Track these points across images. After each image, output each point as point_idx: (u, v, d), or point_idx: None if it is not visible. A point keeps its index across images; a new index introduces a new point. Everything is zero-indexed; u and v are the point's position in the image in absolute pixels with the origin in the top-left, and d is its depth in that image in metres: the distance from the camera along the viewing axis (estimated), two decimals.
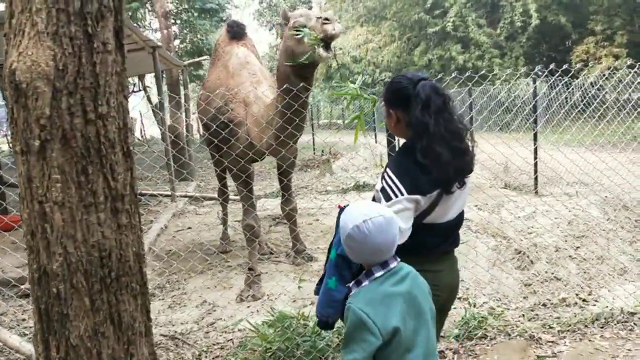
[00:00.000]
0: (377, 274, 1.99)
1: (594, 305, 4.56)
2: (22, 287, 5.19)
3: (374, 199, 2.44)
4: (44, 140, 1.64)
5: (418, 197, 2.24)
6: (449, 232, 2.46)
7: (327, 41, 4.03)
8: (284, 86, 4.38)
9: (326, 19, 4.04)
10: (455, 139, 2.29)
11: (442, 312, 2.49)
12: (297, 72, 4.32)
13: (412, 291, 1.99)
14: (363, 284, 2.02)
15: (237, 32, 6.01)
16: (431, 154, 2.23)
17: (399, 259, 2.05)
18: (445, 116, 2.29)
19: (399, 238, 2.02)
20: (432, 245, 2.40)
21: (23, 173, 1.69)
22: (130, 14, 19.14)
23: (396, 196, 2.23)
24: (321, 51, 4.01)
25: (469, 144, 2.40)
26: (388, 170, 2.32)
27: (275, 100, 4.67)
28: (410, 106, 2.31)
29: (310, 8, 40.14)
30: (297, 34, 4.10)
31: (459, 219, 2.49)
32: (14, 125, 1.68)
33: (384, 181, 2.30)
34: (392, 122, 2.47)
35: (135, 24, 10.62)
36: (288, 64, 4.33)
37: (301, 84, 4.27)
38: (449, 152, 2.24)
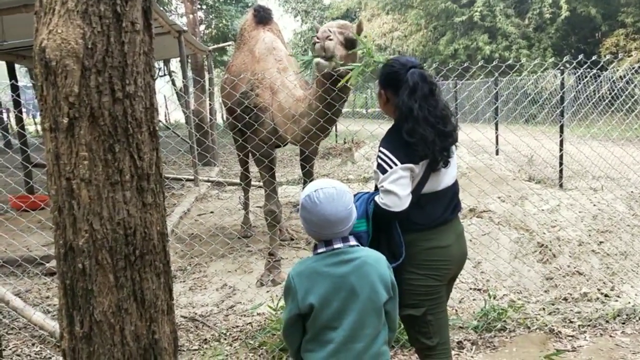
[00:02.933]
0: (320, 250, 2.09)
1: (616, 301, 4.51)
2: (47, 265, 5.29)
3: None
4: (72, 117, 1.65)
5: (411, 165, 2.45)
6: (450, 199, 2.66)
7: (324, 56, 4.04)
8: (322, 88, 4.32)
9: (317, 37, 4.05)
10: (439, 123, 2.48)
11: (451, 280, 2.77)
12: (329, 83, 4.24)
13: (348, 276, 2.03)
14: (311, 255, 2.13)
15: (263, 17, 5.99)
16: (416, 135, 2.43)
17: (351, 243, 2.10)
18: (430, 102, 2.49)
19: (354, 216, 2.12)
20: (436, 215, 2.59)
21: (51, 150, 1.71)
22: None
23: (391, 167, 2.44)
24: (321, 61, 4.02)
25: (454, 128, 2.59)
26: (381, 148, 2.52)
27: (310, 95, 4.61)
28: (399, 89, 2.52)
29: None
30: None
31: (456, 186, 2.71)
32: (43, 102, 1.70)
33: (379, 159, 2.51)
34: (382, 102, 2.69)
35: (161, 8, 10.67)
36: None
37: (335, 93, 4.24)
38: (434, 133, 2.45)
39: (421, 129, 2.43)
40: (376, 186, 2.64)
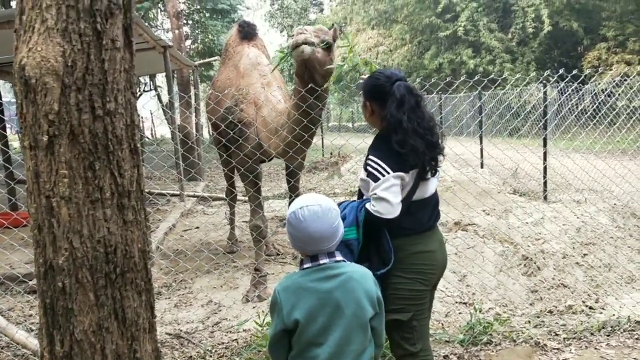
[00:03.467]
0: (306, 266, 2.08)
1: (601, 313, 4.53)
2: (30, 283, 5.23)
3: (360, 190, 2.73)
4: (52, 135, 1.65)
5: (402, 174, 2.51)
6: (433, 206, 2.76)
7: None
8: (299, 95, 4.28)
9: (292, 36, 4.06)
10: (427, 134, 2.56)
11: (433, 288, 2.83)
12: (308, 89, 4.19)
13: (334, 292, 2.02)
14: (298, 270, 2.13)
15: (248, 33, 6.01)
16: (407, 146, 2.50)
17: (337, 259, 2.10)
18: (418, 114, 2.57)
19: (340, 232, 2.11)
20: (424, 221, 2.69)
21: (31, 168, 1.70)
22: (142, 13, 19.25)
23: (383, 176, 2.49)
24: (305, 48, 3.93)
25: (440, 139, 2.69)
26: (371, 157, 2.57)
27: (290, 108, 4.60)
28: (385, 102, 2.59)
29: (322, 11, 40.28)
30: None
31: (437, 195, 2.82)
32: (23, 120, 1.69)
33: (369, 167, 2.55)
34: (368, 113, 2.77)
35: (147, 24, 10.68)
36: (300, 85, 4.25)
37: (313, 101, 4.23)
38: (424, 144, 2.53)
39: (412, 140, 2.50)
40: (360, 196, 2.72)
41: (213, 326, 4.60)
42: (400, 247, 2.57)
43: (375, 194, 2.49)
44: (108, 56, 1.68)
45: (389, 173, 2.48)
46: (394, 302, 2.57)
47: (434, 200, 2.76)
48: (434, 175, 2.65)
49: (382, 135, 2.67)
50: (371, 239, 2.57)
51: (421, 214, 2.67)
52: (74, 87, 1.64)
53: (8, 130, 11.56)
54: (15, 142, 23.66)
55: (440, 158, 2.68)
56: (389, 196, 2.47)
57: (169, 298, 5.32)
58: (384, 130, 2.65)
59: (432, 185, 2.71)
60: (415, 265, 2.62)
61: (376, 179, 2.50)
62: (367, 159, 2.59)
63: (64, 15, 1.61)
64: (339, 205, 2.54)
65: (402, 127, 2.51)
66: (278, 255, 6.49)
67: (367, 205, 2.53)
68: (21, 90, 1.67)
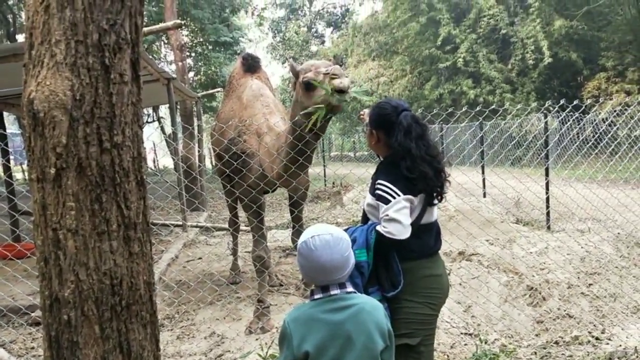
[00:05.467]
0: (316, 296, 2.07)
1: (607, 344, 4.48)
2: (33, 314, 5.20)
3: (364, 215, 2.80)
4: (59, 168, 1.66)
5: (411, 197, 2.60)
6: (436, 231, 2.83)
7: (337, 93, 3.90)
8: (296, 132, 4.34)
9: (334, 74, 3.94)
10: (434, 161, 2.67)
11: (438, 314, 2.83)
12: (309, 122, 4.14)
13: (345, 324, 2.00)
14: (308, 300, 2.11)
15: (251, 65, 6.09)
16: (416, 171, 2.60)
17: (348, 290, 2.09)
18: (424, 142, 2.68)
19: (351, 263, 2.12)
20: (431, 244, 2.76)
21: (38, 200, 1.71)
22: (146, 46, 19.47)
23: (394, 198, 2.56)
24: (334, 100, 3.90)
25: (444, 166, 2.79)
26: (380, 181, 2.65)
27: (286, 133, 4.65)
28: (392, 130, 2.70)
29: (322, 43, 40.73)
30: (308, 89, 4.12)
31: (437, 221, 2.88)
32: (30, 153, 1.70)
33: (379, 191, 2.62)
34: (373, 141, 2.85)
35: (151, 56, 10.79)
36: (301, 116, 4.21)
37: (313, 133, 4.27)
38: (432, 170, 2.63)
39: (420, 167, 2.60)
40: (364, 222, 2.79)
41: (216, 358, 4.56)
42: (409, 270, 2.62)
43: (387, 215, 2.55)
44: (116, 90, 1.70)
45: (399, 195, 2.56)
46: (404, 326, 2.59)
47: (437, 225, 2.84)
48: (440, 200, 2.74)
49: (388, 162, 2.77)
50: (380, 261, 2.61)
51: (427, 238, 2.74)
52: (82, 120, 1.65)
53: (12, 162, 11.61)
54: (17, 174, 23.77)
55: (447, 184, 2.77)
56: (400, 217, 2.53)
57: (171, 330, 5.28)
58: (390, 157, 2.75)
59: (435, 211, 2.80)
60: (426, 289, 2.67)
61: (387, 201, 2.57)
62: (376, 183, 2.67)
63: (72, 49, 1.63)
64: (346, 230, 2.55)
65: (410, 154, 2.61)
66: (281, 285, 6.45)
67: (378, 227, 2.58)
68: (29, 123, 1.68)
